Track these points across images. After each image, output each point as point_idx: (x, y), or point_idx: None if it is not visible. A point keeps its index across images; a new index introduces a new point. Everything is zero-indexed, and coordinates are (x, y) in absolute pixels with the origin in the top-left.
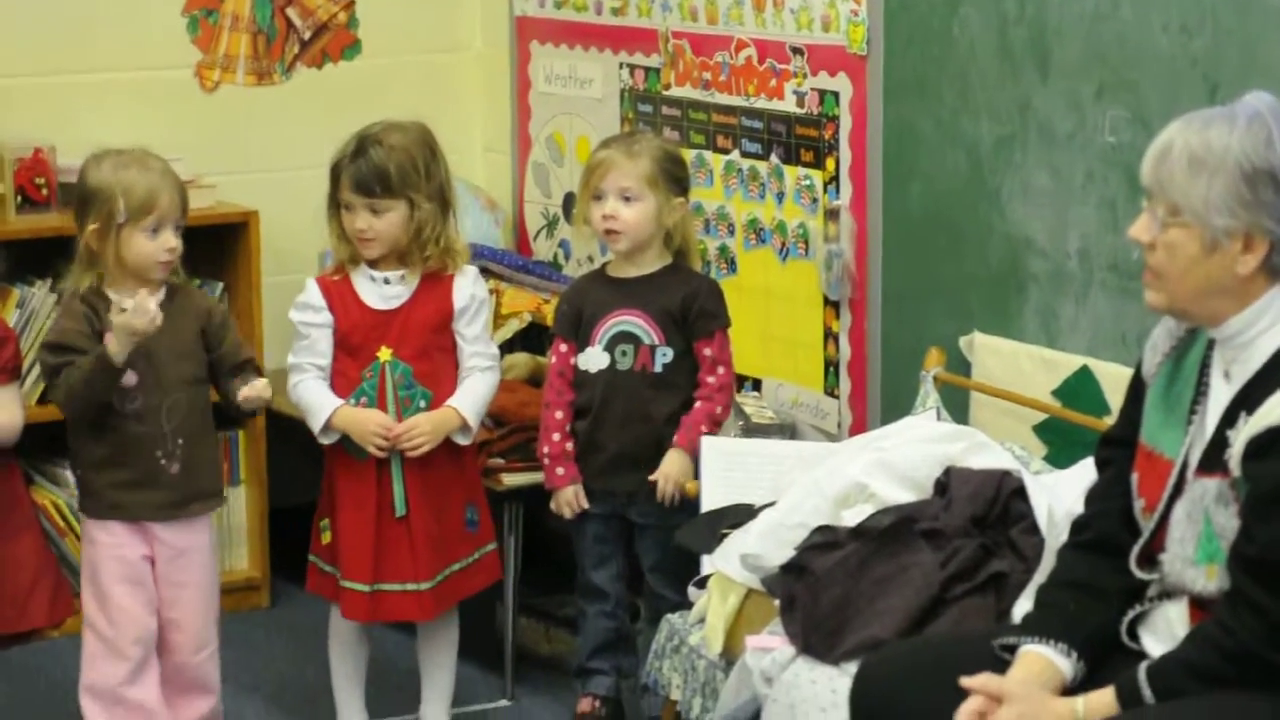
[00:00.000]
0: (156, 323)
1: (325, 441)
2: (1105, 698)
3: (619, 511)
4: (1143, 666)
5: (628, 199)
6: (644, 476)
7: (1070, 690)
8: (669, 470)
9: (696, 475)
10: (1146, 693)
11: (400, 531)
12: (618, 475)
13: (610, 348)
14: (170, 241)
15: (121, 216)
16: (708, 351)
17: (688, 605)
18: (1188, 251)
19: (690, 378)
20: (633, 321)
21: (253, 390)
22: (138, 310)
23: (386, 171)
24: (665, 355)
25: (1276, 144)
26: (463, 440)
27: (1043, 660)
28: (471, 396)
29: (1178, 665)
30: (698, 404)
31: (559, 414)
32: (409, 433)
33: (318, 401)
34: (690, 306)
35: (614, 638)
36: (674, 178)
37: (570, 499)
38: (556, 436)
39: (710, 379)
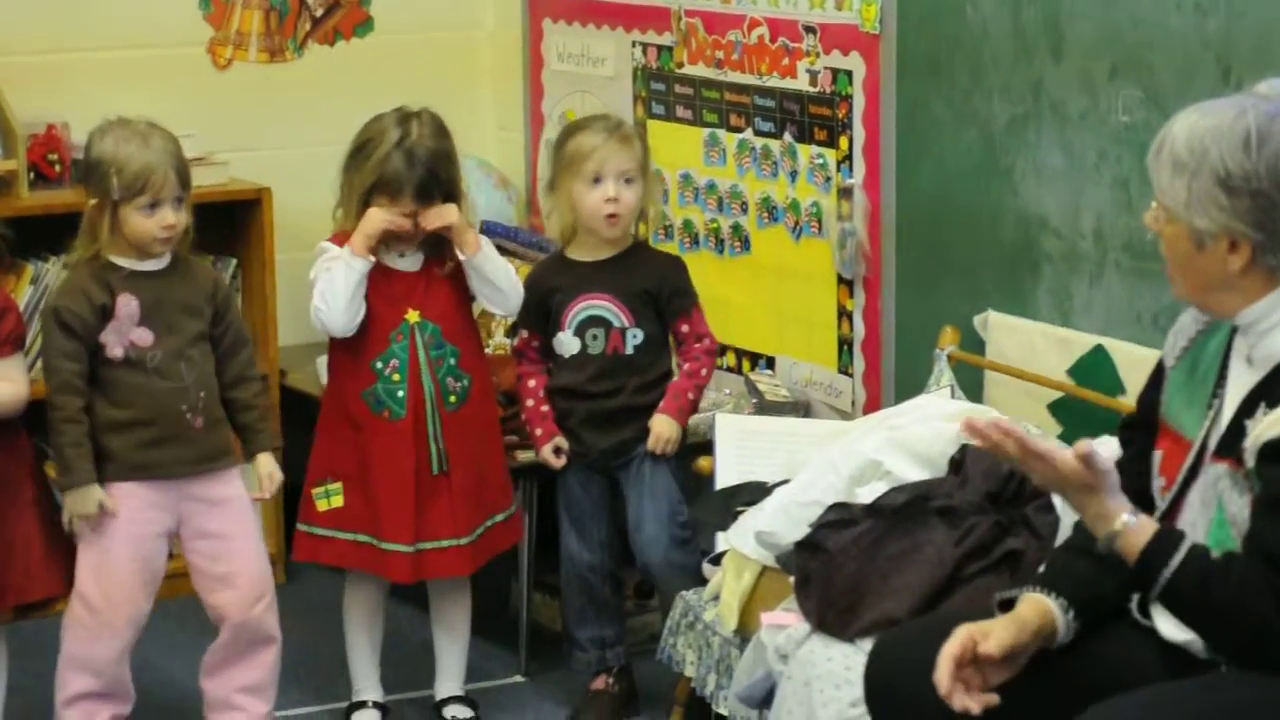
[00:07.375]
0: None
1: (364, 268)
2: (1140, 537)
3: (597, 467)
4: (1182, 555)
5: (628, 181)
6: (621, 436)
7: (1058, 648)
8: (660, 431)
9: (684, 439)
10: (1159, 581)
11: (439, 487)
12: (593, 432)
13: (580, 332)
14: (168, 219)
15: (116, 194)
16: (686, 328)
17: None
18: (1182, 247)
19: (661, 357)
20: (601, 305)
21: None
22: None
23: (441, 178)
24: (636, 337)
25: (1253, 148)
26: (464, 253)
27: (1041, 606)
28: (494, 251)
29: (1205, 580)
30: (685, 366)
31: (531, 382)
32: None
33: (339, 263)
34: (663, 287)
35: (589, 606)
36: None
37: (550, 455)
38: (530, 402)
39: (698, 344)
